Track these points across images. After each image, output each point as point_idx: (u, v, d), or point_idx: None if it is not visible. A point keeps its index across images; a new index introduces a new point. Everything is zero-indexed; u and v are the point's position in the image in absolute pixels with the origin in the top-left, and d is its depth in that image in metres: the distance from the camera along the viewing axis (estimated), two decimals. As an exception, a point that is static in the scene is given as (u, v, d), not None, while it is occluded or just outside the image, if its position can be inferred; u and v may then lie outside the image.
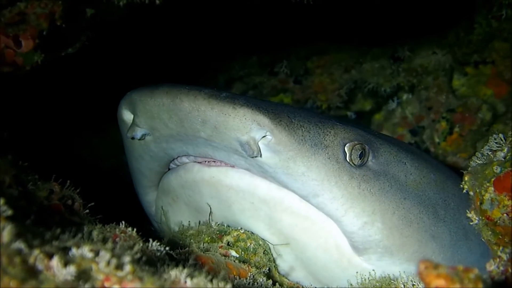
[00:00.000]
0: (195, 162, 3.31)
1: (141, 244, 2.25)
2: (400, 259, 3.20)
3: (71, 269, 1.56)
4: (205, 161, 3.28)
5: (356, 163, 3.11)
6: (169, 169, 3.50)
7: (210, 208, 3.30)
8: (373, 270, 3.20)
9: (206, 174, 3.24)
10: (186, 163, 3.36)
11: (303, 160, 2.96)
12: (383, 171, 3.23)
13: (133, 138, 3.21)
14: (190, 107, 2.88)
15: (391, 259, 3.19)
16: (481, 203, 2.75)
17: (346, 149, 3.10)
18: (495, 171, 2.74)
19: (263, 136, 2.88)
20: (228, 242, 3.20)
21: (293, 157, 2.94)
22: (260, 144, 2.89)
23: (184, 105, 2.89)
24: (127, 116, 3.29)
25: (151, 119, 3.08)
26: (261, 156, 2.92)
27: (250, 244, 3.21)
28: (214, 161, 3.25)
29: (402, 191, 3.24)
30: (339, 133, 3.11)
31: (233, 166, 3.18)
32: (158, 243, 2.31)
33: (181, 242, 3.15)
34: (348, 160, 3.09)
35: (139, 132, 3.17)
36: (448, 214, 3.41)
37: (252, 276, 2.97)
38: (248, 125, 2.84)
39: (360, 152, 3.12)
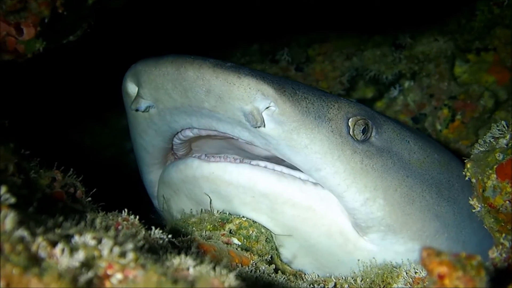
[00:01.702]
0: (195, 157, 3.34)
1: (144, 232, 2.25)
2: (403, 237, 3.21)
3: (80, 255, 1.56)
4: (205, 156, 3.31)
5: (359, 138, 3.11)
6: (172, 149, 3.52)
7: (210, 198, 3.30)
8: (379, 251, 3.21)
9: (205, 170, 3.24)
10: (186, 158, 3.39)
11: (307, 132, 2.96)
12: (386, 148, 3.23)
13: (137, 110, 3.20)
14: (195, 76, 2.88)
15: (395, 237, 3.20)
16: (483, 190, 2.75)
17: (349, 123, 3.10)
18: (497, 158, 2.74)
19: (267, 107, 2.89)
20: (230, 230, 3.20)
21: (297, 129, 2.94)
22: (264, 115, 2.89)
23: (189, 74, 2.89)
24: (132, 88, 3.28)
25: (156, 90, 3.07)
26: (264, 127, 2.92)
27: (252, 232, 3.21)
28: (214, 156, 3.28)
29: (405, 169, 3.24)
30: (343, 107, 3.11)
31: (236, 159, 3.22)
32: (161, 231, 2.31)
33: (183, 230, 3.16)
34: (351, 134, 3.09)
35: (143, 104, 3.16)
36: (452, 195, 3.41)
37: (254, 264, 2.97)
38: (253, 95, 2.84)
39: (363, 127, 3.12)
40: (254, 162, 3.20)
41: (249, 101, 2.84)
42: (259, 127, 2.90)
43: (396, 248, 3.22)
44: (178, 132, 3.33)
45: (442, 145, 4.20)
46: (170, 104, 3.09)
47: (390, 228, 3.16)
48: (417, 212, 3.21)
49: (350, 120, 3.11)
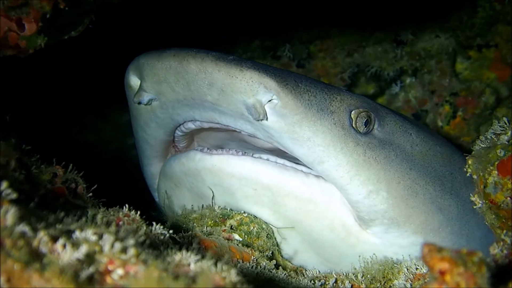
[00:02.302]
0: (197, 150, 3.34)
1: (145, 228, 2.26)
2: (407, 231, 3.20)
3: (81, 250, 1.56)
4: (207, 149, 3.31)
5: (361, 131, 3.11)
6: (174, 141, 3.53)
7: (213, 193, 3.30)
8: (382, 244, 3.20)
9: (208, 163, 3.24)
10: (189, 151, 3.39)
11: (309, 124, 2.96)
12: (388, 140, 3.23)
13: (139, 103, 3.20)
14: (197, 69, 2.89)
15: (398, 231, 3.19)
16: (484, 187, 2.75)
17: (352, 115, 3.10)
18: (498, 154, 2.74)
19: (270, 100, 2.89)
20: (231, 226, 3.21)
21: (299, 122, 2.94)
22: (266, 108, 2.89)
23: (191, 67, 2.89)
24: (134, 81, 3.28)
25: (158, 83, 3.08)
26: (267, 120, 2.92)
27: (253, 227, 3.21)
28: (216, 149, 3.28)
29: (407, 161, 3.23)
30: (345, 99, 3.11)
31: (238, 152, 3.22)
32: (162, 227, 2.31)
33: (184, 225, 3.16)
34: (353, 127, 3.09)
35: (145, 97, 3.16)
36: (455, 187, 3.40)
37: (255, 259, 2.98)
38: (255, 88, 2.84)
39: (365, 119, 3.12)
40: (256, 154, 3.20)
41: (251, 94, 2.84)
42: (261, 120, 2.90)
43: (399, 242, 3.21)
44: (180, 125, 3.33)
45: (444, 138, 4.19)
46: (173, 97, 3.09)
47: (394, 221, 3.15)
48: (420, 205, 3.20)
49: (352, 112, 3.10)
